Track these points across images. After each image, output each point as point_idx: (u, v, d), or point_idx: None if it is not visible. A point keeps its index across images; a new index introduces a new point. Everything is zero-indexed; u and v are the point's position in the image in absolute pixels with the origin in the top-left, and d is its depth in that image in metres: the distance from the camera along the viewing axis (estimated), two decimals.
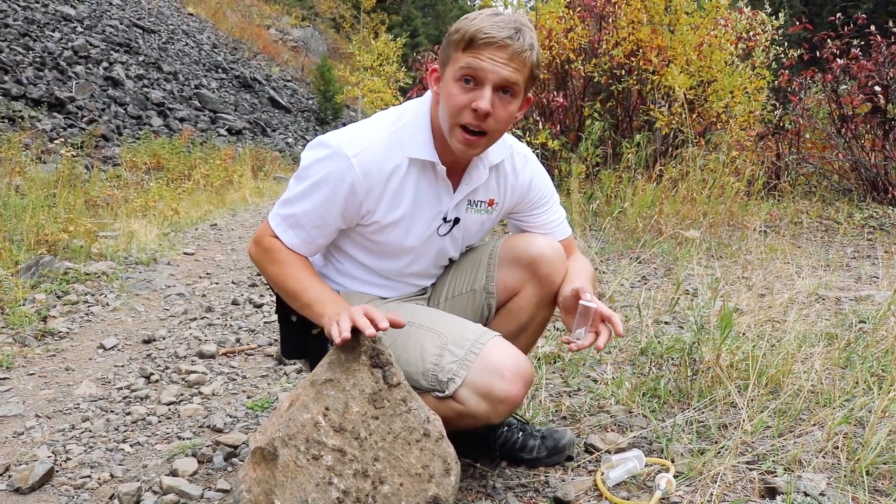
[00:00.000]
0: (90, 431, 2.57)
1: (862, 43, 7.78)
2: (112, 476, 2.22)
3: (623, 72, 7.41)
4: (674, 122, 7.00)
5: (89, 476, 2.22)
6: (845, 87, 7.86)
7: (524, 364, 1.79)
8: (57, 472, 2.24)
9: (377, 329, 1.58)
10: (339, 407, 1.60)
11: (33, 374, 3.20)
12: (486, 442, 2.12)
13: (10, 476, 2.20)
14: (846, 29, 7.88)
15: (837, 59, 7.73)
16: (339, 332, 1.59)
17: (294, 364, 3.29)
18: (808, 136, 8.42)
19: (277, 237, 1.86)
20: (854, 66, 7.65)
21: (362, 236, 1.93)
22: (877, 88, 7.37)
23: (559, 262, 2.00)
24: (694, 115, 7.18)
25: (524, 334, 2.06)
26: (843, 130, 7.79)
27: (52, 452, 2.38)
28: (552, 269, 1.98)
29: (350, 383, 1.63)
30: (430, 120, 1.85)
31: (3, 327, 3.75)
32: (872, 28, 7.65)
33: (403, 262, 1.99)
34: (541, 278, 1.99)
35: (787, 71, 8.29)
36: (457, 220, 1.98)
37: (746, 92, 7.55)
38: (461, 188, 1.93)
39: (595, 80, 7.59)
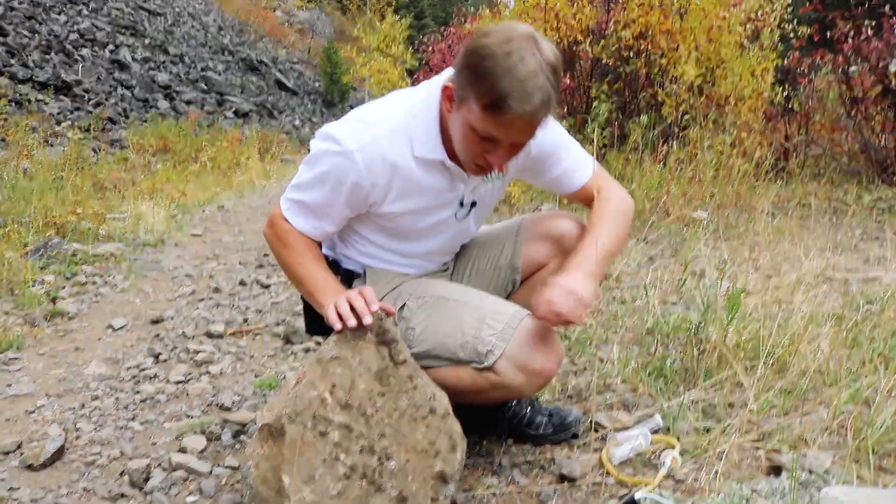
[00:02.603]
0: (100, 410, 2.60)
1: (874, 23, 7.68)
2: (122, 453, 2.24)
3: (631, 54, 7.36)
4: (682, 106, 6.96)
5: (99, 453, 2.24)
6: (856, 68, 7.79)
7: (558, 342, 1.83)
8: (68, 449, 2.27)
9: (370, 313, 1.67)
10: (345, 384, 1.61)
11: (43, 353, 3.23)
12: (494, 416, 2.14)
13: (22, 453, 2.23)
14: (860, 9, 7.79)
15: (848, 40, 7.65)
16: (336, 317, 1.69)
17: (301, 343, 3.31)
18: (817, 117, 8.35)
19: (288, 221, 1.88)
20: (865, 46, 7.57)
21: (376, 223, 1.94)
22: (892, 68, 7.28)
23: None
24: (702, 98, 7.13)
25: None
26: (854, 112, 7.72)
27: (63, 430, 2.40)
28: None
29: (356, 361, 1.64)
30: (440, 117, 1.80)
31: (13, 308, 3.78)
32: (887, 8, 7.56)
33: (422, 245, 2.00)
34: (567, 251, 1.99)
35: (796, 52, 8.22)
36: (474, 204, 1.97)
37: (754, 73, 7.48)
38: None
39: (603, 61, 7.54)
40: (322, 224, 1.88)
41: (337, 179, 1.77)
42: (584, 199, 2.05)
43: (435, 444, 1.64)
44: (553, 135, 1.97)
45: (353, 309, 1.68)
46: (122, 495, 1.99)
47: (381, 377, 1.64)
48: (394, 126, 1.78)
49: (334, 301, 1.72)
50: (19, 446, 2.28)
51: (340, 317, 1.69)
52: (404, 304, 1.92)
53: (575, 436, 2.16)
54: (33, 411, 2.59)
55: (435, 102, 1.79)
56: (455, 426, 1.68)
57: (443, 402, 1.69)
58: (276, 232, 1.91)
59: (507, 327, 1.78)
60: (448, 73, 1.77)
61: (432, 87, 1.82)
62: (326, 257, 2.05)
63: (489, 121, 1.60)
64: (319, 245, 2.00)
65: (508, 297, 2.08)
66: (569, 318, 1.71)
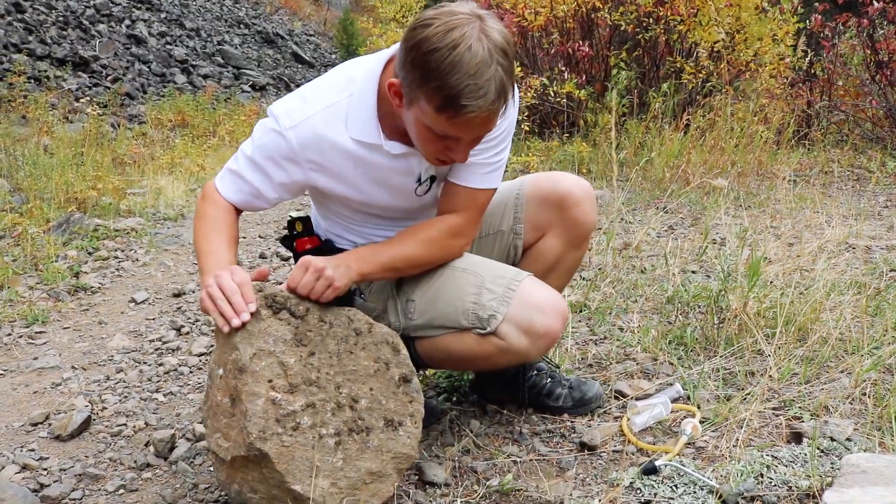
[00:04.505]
0: (124, 382, 2.64)
1: None
2: (147, 424, 2.28)
3: (650, 20, 7.25)
4: (701, 73, 6.86)
5: (125, 424, 2.28)
6: (882, 31, 7.62)
7: (560, 301, 1.80)
8: (94, 420, 2.31)
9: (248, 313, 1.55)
10: (278, 370, 1.56)
11: (68, 327, 3.27)
12: (514, 385, 2.14)
13: (50, 424, 2.28)
14: None
15: (874, 2, 7.48)
16: (211, 306, 1.55)
17: None
18: (840, 83, 8.20)
19: (217, 190, 1.85)
20: (891, 9, 7.40)
21: (339, 204, 1.90)
22: None
23: (588, 202, 1.97)
24: (722, 64, 7.02)
25: (552, 275, 2.02)
26: (878, 77, 7.57)
27: (89, 402, 2.45)
28: (581, 209, 1.96)
29: (270, 343, 1.58)
30: (378, 96, 1.72)
31: (37, 283, 3.83)
32: None
33: (393, 221, 1.94)
34: (569, 219, 1.96)
35: (819, 16, 8.05)
36: (433, 178, 1.88)
37: (775, 38, 7.35)
38: None
39: (622, 28, 7.44)
40: (249, 196, 1.83)
41: (270, 155, 1.76)
42: (447, 200, 1.87)
43: (380, 358, 1.65)
44: (506, 121, 1.81)
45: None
46: (148, 465, 2.03)
47: (299, 339, 1.60)
48: (327, 105, 1.73)
49: (207, 290, 1.57)
50: (47, 418, 2.33)
51: (220, 311, 1.55)
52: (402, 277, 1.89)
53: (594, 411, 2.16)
54: (60, 384, 2.64)
55: (374, 82, 1.72)
56: (381, 329, 1.69)
57: (359, 317, 1.68)
58: (201, 199, 1.85)
59: (507, 290, 1.76)
60: (396, 47, 1.63)
61: (375, 64, 1.74)
62: (319, 237, 2.02)
63: (444, 122, 1.52)
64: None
65: (513, 265, 2.01)
66: (303, 294, 1.63)
